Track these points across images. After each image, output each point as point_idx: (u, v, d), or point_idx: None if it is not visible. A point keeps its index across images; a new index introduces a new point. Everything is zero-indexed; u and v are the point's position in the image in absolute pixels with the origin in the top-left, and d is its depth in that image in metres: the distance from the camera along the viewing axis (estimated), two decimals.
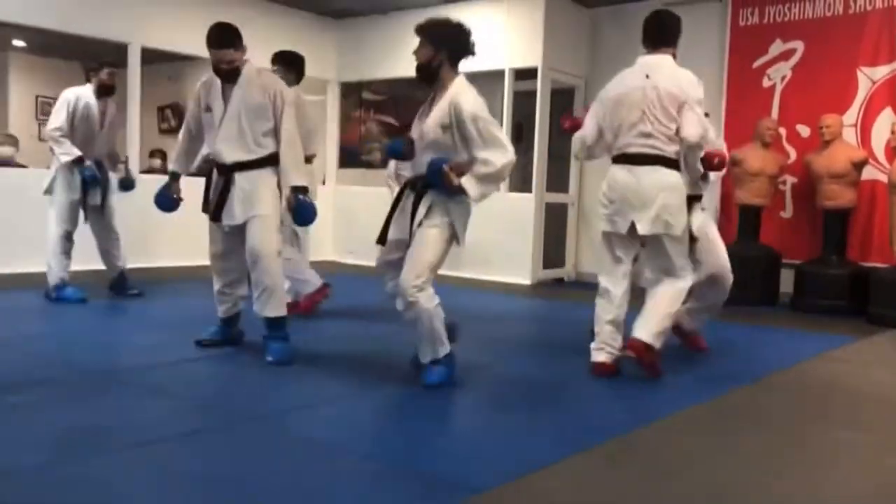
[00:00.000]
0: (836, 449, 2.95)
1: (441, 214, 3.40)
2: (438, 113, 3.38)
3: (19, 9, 6.47)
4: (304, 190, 3.81)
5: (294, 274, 5.07)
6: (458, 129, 3.33)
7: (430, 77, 3.45)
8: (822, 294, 6.15)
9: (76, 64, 11.14)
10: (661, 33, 3.84)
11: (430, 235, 3.39)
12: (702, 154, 3.87)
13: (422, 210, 3.41)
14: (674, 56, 3.82)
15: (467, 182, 3.30)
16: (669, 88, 3.66)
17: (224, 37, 3.77)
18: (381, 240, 3.57)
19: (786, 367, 4.21)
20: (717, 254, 4.33)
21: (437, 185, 3.35)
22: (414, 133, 3.52)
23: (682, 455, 2.78)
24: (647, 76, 3.72)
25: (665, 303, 3.75)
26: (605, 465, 2.64)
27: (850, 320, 5.81)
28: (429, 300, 3.36)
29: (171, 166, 4.14)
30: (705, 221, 4.36)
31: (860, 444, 3.00)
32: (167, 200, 4.08)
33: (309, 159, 5.10)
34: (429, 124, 3.41)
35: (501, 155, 3.32)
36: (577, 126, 4.10)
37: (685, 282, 3.83)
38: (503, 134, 3.44)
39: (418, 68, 3.46)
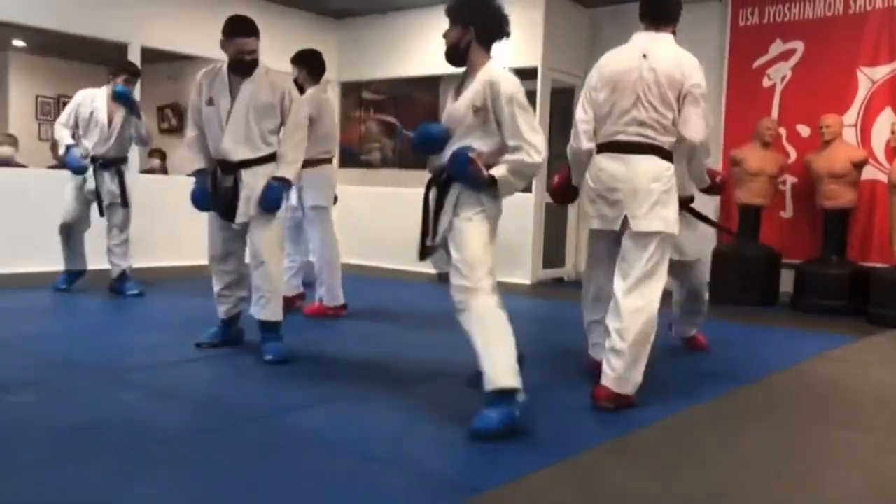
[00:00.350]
0: (836, 449, 2.94)
1: (473, 205, 2.98)
2: (471, 94, 3.02)
3: (19, 9, 6.46)
4: (286, 182, 3.90)
5: (330, 279, 5.10)
6: (493, 110, 2.97)
7: (459, 60, 3.12)
8: (822, 294, 6.14)
9: (76, 64, 11.16)
10: (661, 8, 3.42)
11: (465, 230, 2.97)
12: (709, 157, 3.61)
13: (448, 206, 3.02)
14: (673, 34, 3.42)
15: (497, 172, 2.93)
16: (670, 71, 3.23)
17: (250, 26, 3.79)
18: (422, 255, 3.15)
19: (786, 367, 4.21)
20: (703, 272, 4.24)
21: (461, 177, 2.95)
22: (442, 118, 3.17)
23: (682, 455, 2.78)
24: (645, 56, 3.29)
25: (638, 335, 3.21)
26: (605, 465, 2.63)
27: (850, 320, 5.80)
28: (480, 305, 2.89)
29: (194, 165, 3.97)
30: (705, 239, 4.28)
31: (860, 444, 3.00)
32: (205, 196, 3.91)
33: (329, 160, 5.15)
34: (460, 105, 3.04)
35: (534, 146, 2.93)
36: (563, 182, 3.81)
37: (656, 297, 3.27)
38: (537, 125, 3.03)
39: (446, 53, 3.14)
